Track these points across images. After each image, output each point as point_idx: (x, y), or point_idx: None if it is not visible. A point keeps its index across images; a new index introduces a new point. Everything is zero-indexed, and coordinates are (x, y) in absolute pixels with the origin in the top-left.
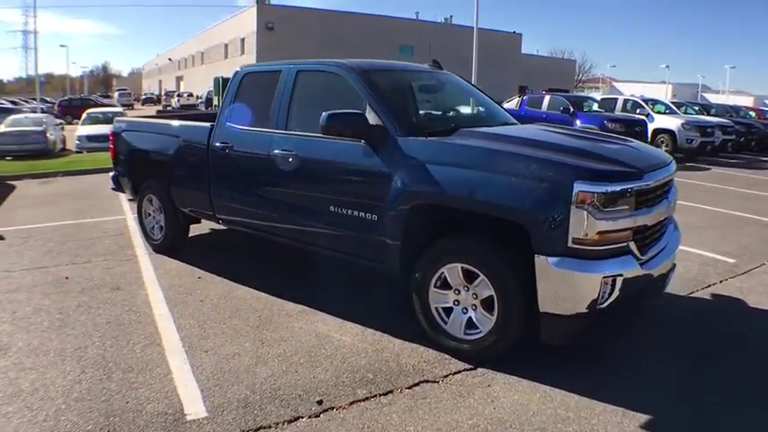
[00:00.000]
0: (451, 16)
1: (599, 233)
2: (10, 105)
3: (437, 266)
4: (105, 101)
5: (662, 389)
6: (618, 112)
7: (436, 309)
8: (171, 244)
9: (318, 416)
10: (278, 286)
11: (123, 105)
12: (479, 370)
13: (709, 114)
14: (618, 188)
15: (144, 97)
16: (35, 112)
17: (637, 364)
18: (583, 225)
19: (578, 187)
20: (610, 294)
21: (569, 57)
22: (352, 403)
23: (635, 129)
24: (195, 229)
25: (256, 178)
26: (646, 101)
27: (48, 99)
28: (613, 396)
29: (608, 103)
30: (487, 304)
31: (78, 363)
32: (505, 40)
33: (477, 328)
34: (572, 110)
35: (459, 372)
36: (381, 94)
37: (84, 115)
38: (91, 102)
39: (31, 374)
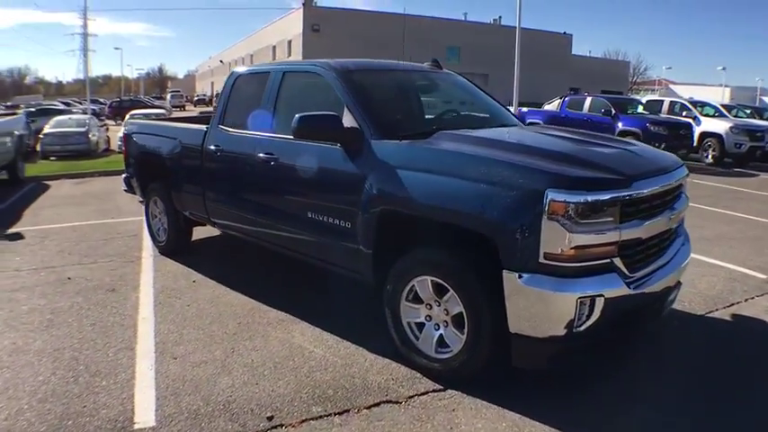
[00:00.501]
0: (500, 17)
1: (575, 248)
2: (62, 106)
3: (408, 278)
4: (156, 102)
5: (649, 427)
6: (664, 115)
7: (408, 323)
8: (174, 246)
9: None
10: (270, 293)
11: (175, 107)
12: (448, 392)
13: (762, 118)
14: (598, 197)
15: (196, 99)
16: (86, 113)
17: (625, 394)
18: (556, 239)
19: (551, 196)
20: (588, 317)
21: (623, 58)
22: (303, 421)
23: (679, 132)
24: (206, 232)
25: (244, 182)
26: (694, 103)
27: (101, 100)
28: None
29: (654, 106)
30: (458, 321)
31: (52, 364)
32: (555, 40)
33: (449, 346)
34: (614, 112)
35: (427, 393)
36: (360, 94)
37: (127, 116)
38: (140, 103)
39: (6, 373)
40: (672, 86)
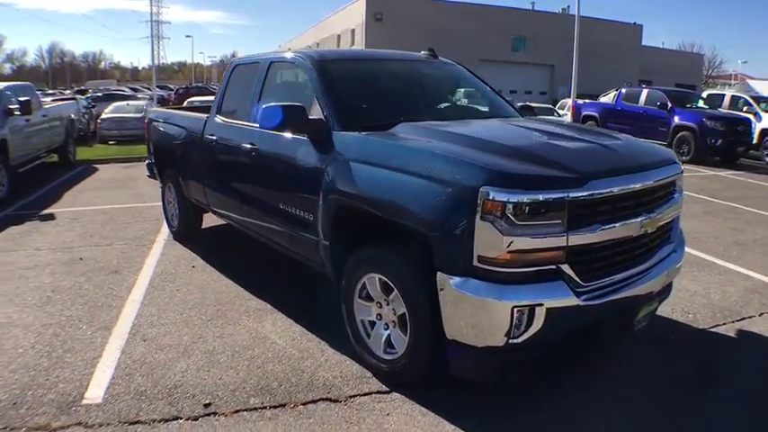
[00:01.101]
0: (568, 6)
1: (512, 252)
2: (129, 92)
3: (359, 275)
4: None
5: None
6: (723, 110)
7: (361, 321)
8: (185, 232)
9: (196, 419)
10: (261, 283)
11: None
12: (392, 395)
13: None
14: (539, 197)
15: None
16: (152, 98)
17: (581, 412)
18: (490, 241)
19: (485, 194)
20: (527, 327)
21: (698, 51)
22: (236, 411)
23: (737, 128)
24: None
25: (233, 171)
26: (757, 99)
27: (170, 86)
28: None
29: (714, 100)
30: (403, 322)
31: (35, 338)
32: (624, 31)
33: (395, 347)
34: (670, 105)
35: (370, 394)
36: (329, 85)
37: (185, 103)
38: (207, 90)
39: None
40: (750, 81)
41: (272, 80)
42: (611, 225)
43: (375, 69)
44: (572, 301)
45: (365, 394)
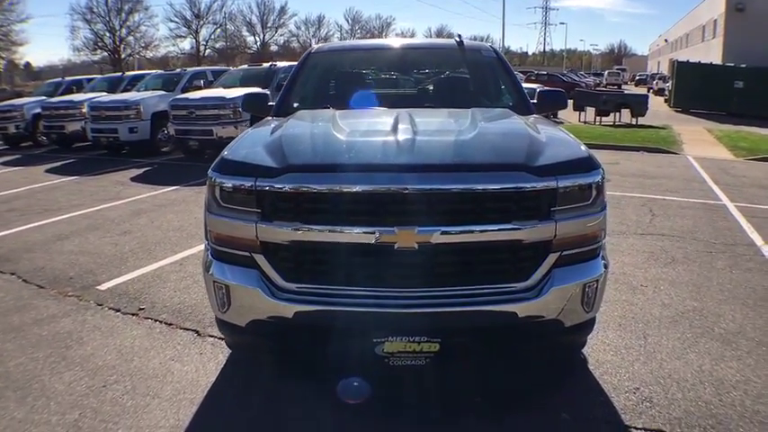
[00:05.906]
0: None
1: (212, 231)
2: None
3: None
4: (587, 78)
5: None
6: None
7: None
8: None
9: (125, 314)
10: None
11: (611, 84)
12: (208, 339)
13: None
14: (233, 183)
15: (637, 78)
16: None
17: None
18: (206, 217)
19: (209, 173)
20: (226, 306)
21: None
22: (133, 314)
23: None
24: None
25: None
26: None
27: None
28: None
29: None
30: None
31: (134, 244)
32: None
33: None
34: None
35: (204, 328)
36: (295, 75)
37: None
38: (555, 77)
39: (112, 243)
40: None
41: None
42: (324, 226)
43: (365, 59)
44: (260, 293)
45: (186, 329)
